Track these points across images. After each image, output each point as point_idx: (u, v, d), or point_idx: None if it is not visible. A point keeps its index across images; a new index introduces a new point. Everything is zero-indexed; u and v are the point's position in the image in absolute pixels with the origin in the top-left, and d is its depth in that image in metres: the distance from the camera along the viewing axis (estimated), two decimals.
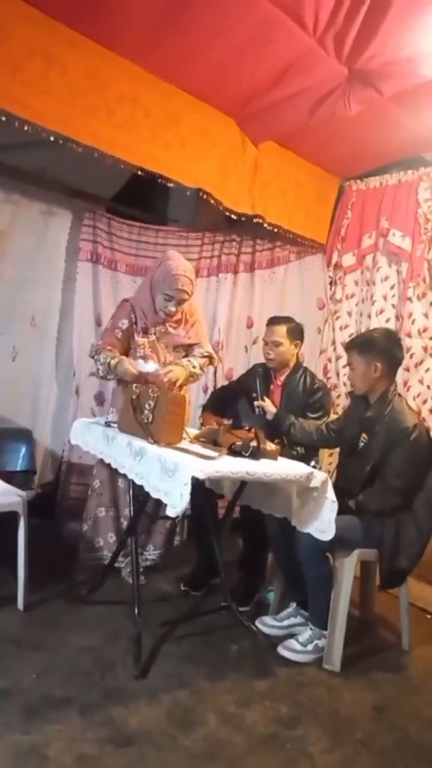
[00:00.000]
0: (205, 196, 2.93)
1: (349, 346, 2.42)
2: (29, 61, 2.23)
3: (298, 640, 2.23)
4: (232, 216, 3.12)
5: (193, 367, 2.54)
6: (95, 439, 2.30)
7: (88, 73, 2.39)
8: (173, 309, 2.50)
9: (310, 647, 2.20)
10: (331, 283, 3.64)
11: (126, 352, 2.53)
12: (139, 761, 1.57)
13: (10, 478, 2.57)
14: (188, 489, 1.72)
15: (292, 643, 2.23)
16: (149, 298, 2.54)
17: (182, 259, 2.56)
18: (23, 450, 2.75)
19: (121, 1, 2.17)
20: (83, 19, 2.26)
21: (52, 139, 2.37)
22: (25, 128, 2.28)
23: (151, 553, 2.78)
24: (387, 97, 2.61)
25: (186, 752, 1.63)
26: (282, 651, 2.21)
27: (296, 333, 2.75)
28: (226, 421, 2.23)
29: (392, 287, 3.32)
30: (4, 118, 2.21)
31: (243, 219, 3.16)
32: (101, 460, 2.24)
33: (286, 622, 2.38)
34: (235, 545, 2.85)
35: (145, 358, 2.45)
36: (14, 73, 2.20)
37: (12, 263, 3.13)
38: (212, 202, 2.97)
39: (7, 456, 2.69)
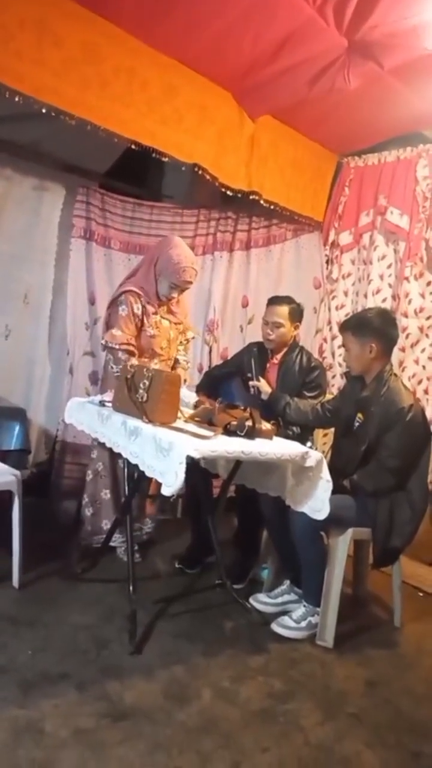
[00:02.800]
0: (200, 172, 2.88)
1: (344, 327, 2.40)
2: (21, 31, 2.16)
3: (292, 617, 2.25)
4: (228, 192, 3.07)
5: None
6: (90, 418, 2.29)
7: (84, 45, 2.32)
8: (176, 296, 2.58)
9: (303, 624, 2.23)
10: (327, 262, 3.60)
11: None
12: (135, 735, 1.59)
13: (5, 457, 2.57)
14: (183, 468, 1.72)
15: (286, 620, 2.25)
16: (153, 283, 2.53)
17: (186, 247, 2.60)
18: (17, 429, 2.75)
19: None
20: None
21: (44, 111, 2.31)
22: (17, 99, 2.22)
23: (148, 526, 2.79)
24: (387, 70, 2.55)
25: (181, 726, 1.65)
26: (275, 628, 2.24)
27: (297, 314, 2.72)
28: (220, 401, 2.22)
29: (389, 266, 3.29)
30: None
31: (239, 195, 3.11)
32: (102, 443, 2.24)
33: (279, 599, 2.40)
34: (230, 524, 2.87)
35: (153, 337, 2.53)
36: (6, 43, 2.14)
37: (4, 240, 3.07)
38: (208, 177, 2.92)
39: (0, 435, 2.68)
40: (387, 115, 3.02)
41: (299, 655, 2.12)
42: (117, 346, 2.47)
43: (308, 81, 2.71)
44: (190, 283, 2.55)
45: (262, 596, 2.44)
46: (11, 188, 3.05)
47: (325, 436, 3.23)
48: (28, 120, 2.50)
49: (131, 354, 2.48)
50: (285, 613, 2.30)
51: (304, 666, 2.06)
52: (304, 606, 2.27)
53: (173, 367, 2.72)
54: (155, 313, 2.57)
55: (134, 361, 2.41)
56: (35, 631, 2.01)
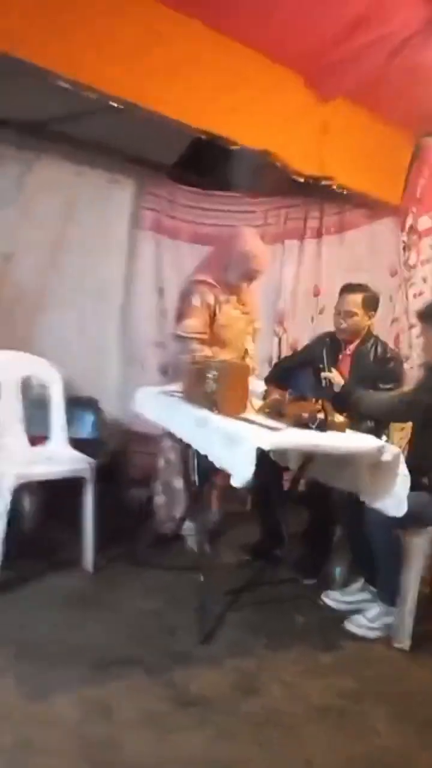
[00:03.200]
0: (270, 159, 2.81)
1: (422, 315, 2.29)
2: (92, 23, 2.17)
3: (366, 615, 2.18)
4: (300, 179, 2.98)
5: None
6: (159, 408, 2.31)
7: (150, 34, 2.32)
8: (246, 285, 2.55)
9: (377, 624, 2.15)
10: (404, 248, 3.43)
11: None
12: (200, 722, 1.59)
13: (79, 445, 2.65)
14: (253, 460, 1.69)
15: (360, 618, 2.18)
16: (223, 274, 2.52)
17: (256, 236, 2.60)
18: (91, 419, 2.83)
19: None
20: None
21: (114, 105, 2.33)
22: (89, 95, 2.26)
23: (215, 517, 2.79)
24: None
25: (247, 717, 1.64)
26: (349, 626, 2.17)
27: (371, 303, 2.61)
28: (290, 393, 2.16)
29: None
30: (69, 86, 2.19)
31: (311, 182, 3.01)
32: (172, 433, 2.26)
33: (353, 598, 2.32)
34: (300, 517, 2.81)
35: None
36: (76, 36, 2.15)
37: (77, 233, 3.15)
38: (278, 164, 2.84)
39: (75, 424, 2.77)
40: None
41: (373, 656, 2.04)
42: (191, 336, 2.46)
43: (387, 57, 2.57)
44: (260, 272, 2.54)
45: (334, 593, 2.37)
46: (83, 183, 3.12)
47: (401, 431, 3.07)
48: (98, 114, 2.54)
49: (204, 344, 2.47)
50: (358, 611, 2.22)
51: (378, 667, 1.98)
52: (379, 605, 2.18)
53: (242, 358, 2.69)
54: (226, 303, 2.55)
55: (207, 351, 2.40)
56: (106, 613, 2.07)
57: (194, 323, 2.46)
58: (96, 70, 2.23)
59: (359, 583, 2.36)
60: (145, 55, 2.33)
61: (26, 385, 2.53)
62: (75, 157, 3.06)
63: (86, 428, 2.87)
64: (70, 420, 2.64)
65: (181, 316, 2.55)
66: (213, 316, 2.51)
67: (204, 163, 3.47)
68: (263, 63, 2.66)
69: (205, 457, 1.97)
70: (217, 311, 2.51)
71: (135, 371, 3.31)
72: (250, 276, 2.53)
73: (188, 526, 2.56)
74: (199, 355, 2.18)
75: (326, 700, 1.76)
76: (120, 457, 3.32)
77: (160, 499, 2.72)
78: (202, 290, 2.48)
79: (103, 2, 2.18)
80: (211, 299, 2.49)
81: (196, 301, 2.48)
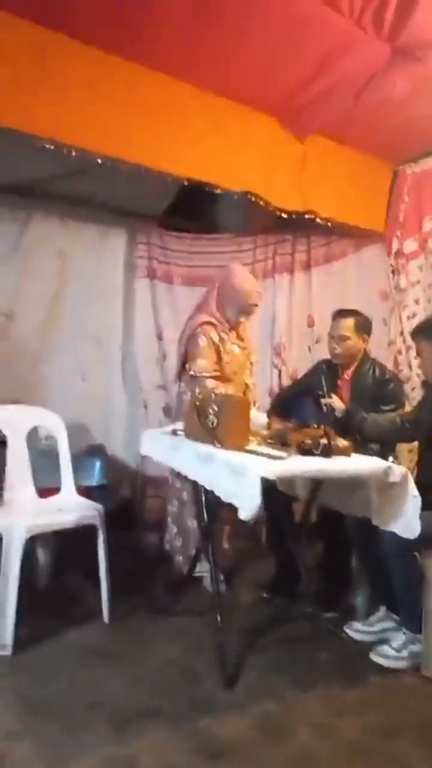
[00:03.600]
0: (253, 198, 2.90)
1: (416, 333, 2.32)
2: (69, 83, 2.30)
3: (392, 645, 2.11)
4: (283, 215, 3.07)
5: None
6: (164, 448, 2.31)
7: (127, 91, 2.45)
8: (244, 320, 2.65)
9: (404, 653, 2.07)
10: (393, 272, 3.48)
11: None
12: None
13: (88, 493, 2.64)
14: (258, 490, 1.68)
15: (385, 649, 2.11)
16: (219, 312, 2.59)
17: (246, 271, 2.69)
18: (98, 465, 2.83)
19: (149, 18, 2.20)
20: (115, 39, 2.31)
21: (99, 161, 2.44)
22: (73, 154, 2.37)
23: (228, 553, 2.75)
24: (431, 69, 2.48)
25: (276, 764, 1.57)
26: (375, 657, 2.10)
27: (364, 326, 2.65)
28: (293, 422, 2.17)
29: None
30: (51, 147, 2.30)
31: (294, 216, 3.10)
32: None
33: (376, 627, 2.26)
34: (315, 549, 2.75)
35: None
36: (55, 97, 2.27)
37: (73, 286, 3.25)
38: (261, 203, 2.94)
39: (82, 472, 2.77)
40: None
41: (402, 688, 1.96)
42: (206, 375, 2.49)
43: (354, 94, 2.69)
44: (256, 305, 2.62)
45: (357, 625, 2.30)
46: (75, 237, 3.24)
47: (410, 452, 3.06)
48: (83, 172, 2.65)
49: (219, 380, 2.50)
50: (384, 641, 2.16)
51: (409, 699, 1.91)
52: (404, 633, 2.11)
53: (244, 392, 2.71)
54: (228, 340, 2.61)
55: (221, 388, 2.42)
56: (126, 665, 2.01)
57: (205, 363, 2.51)
58: (78, 131, 2.35)
59: (381, 612, 2.29)
60: (122, 111, 2.46)
61: (32, 437, 2.54)
62: (67, 213, 3.19)
63: (95, 475, 2.86)
64: (78, 468, 2.64)
65: (189, 357, 2.58)
66: (219, 354, 2.56)
67: (192, 209, 3.59)
68: (236, 108, 2.79)
69: (212, 492, 1.96)
70: (221, 349, 2.56)
71: (139, 415, 3.33)
72: (247, 311, 2.59)
73: (202, 567, 2.52)
74: (198, 391, 2.19)
75: (357, 740, 1.69)
76: (132, 502, 3.30)
77: (177, 542, 2.69)
78: (207, 330, 2.53)
79: (79, 66, 2.31)
80: (216, 338, 2.55)
81: (202, 342, 2.53)
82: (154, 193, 3.16)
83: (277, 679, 1.98)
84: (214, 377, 2.49)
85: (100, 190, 3.16)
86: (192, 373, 2.52)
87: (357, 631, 2.28)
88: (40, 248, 3.16)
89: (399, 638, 2.12)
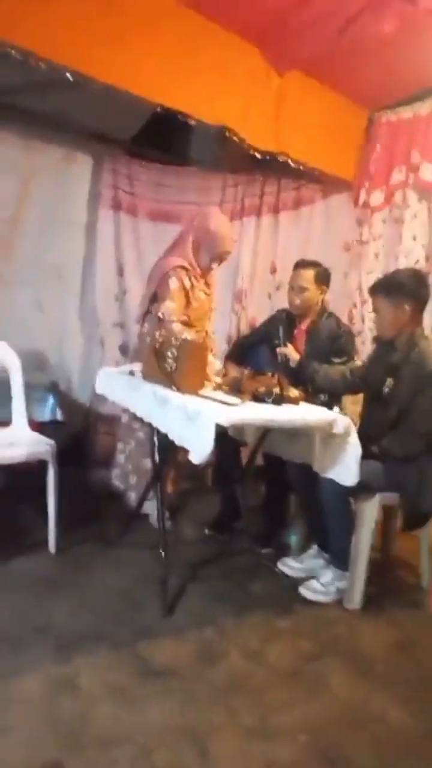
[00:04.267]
0: (227, 134, 2.79)
1: (374, 289, 2.34)
2: None
3: (320, 580, 2.28)
4: (256, 154, 2.98)
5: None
6: (120, 388, 2.32)
7: (102, 1, 2.26)
8: (216, 266, 2.60)
9: (331, 588, 2.25)
10: (357, 224, 3.48)
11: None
12: (166, 692, 1.66)
13: (40, 428, 2.64)
14: (212, 436, 1.73)
15: (314, 583, 2.28)
16: (191, 255, 2.53)
17: (223, 216, 2.63)
18: (50, 401, 2.82)
19: None
20: None
21: (69, 76, 2.26)
22: (41, 66, 2.19)
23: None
24: (423, 11, 2.39)
25: (211, 684, 1.71)
26: (303, 591, 2.27)
27: (323, 278, 2.66)
28: (248, 369, 2.21)
29: (422, 225, 3.16)
30: (18, 56, 2.11)
31: (267, 157, 3.01)
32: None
33: (307, 564, 2.43)
34: (258, 491, 2.89)
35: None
36: (26, 5, 2.09)
37: (34, 212, 3.07)
38: (236, 139, 2.83)
39: (35, 407, 2.75)
40: (423, 61, 2.85)
41: (327, 618, 2.15)
42: (173, 319, 2.47)
43: (339, 28, 2.58)
44: (230, 252, 2.59)
45: (290, 561, 2.47)
46: (38, 160, 3.03)
47: (354, 404, 3.18)
48: (52, 87, 2.46)
49: (186, 325, 2.48)
50: (313, 577, 2.33)
51: (333, 628, 2.09)
52: (332, 570, 2.29)
53: (203, 338, 2.71)
54: (197, 286, 2.57)
55: (187, 333, 2.41)
56: (71, 593, 2.10)
57: (174, 306, 2.47)
58: (46, 40, 2.17)
59: (313, 550, 2.46)
60: (97, 24, 2.27)
61: None
62: (29, 132, 2.97)
63: (47, 411, 2.85)
64: (30, 403, 2.62)
65: (159, 298, 2.53)
66: (187, 299, 2.53)
67: (162, 139, 3.41)
68: (218, 32, 2.63)
69: (165, 435, 2.00)
70: (190, 295, 2.53)
71: (95, 352, 3.29)
72: (221, 257, 2.55)
73: (150, 504, 2.60)
74: (158, 334, 2.18)
75: (285, 663, 1.86)
76: (83, 438, 3.32)
77: (132, 480, 2.75)
78: (180, 274, 2.49)
79: None
80: (187, 283, 2.51)
81: (174, 284, 2.48)
82: (124, 119, 2.98)
83: (214, 608, 2.12)
84: (182, 321, 2.48)
85: (67, 108, 2.95)
86: (160, 315, 2.49)
87: (290, 566, 2.44)
88: None
89: (327, 575, 2.29)
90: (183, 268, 2.50)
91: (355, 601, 2.21)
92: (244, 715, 1.60)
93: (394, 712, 1.68)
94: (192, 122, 2.69)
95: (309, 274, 2.62)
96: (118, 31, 2.33)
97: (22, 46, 2.11)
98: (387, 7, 2.42)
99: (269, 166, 3.26)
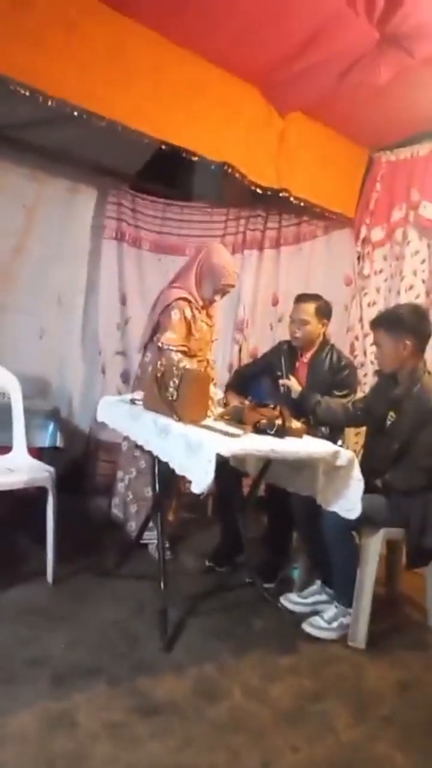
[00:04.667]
0: (230, 170, 2.87)
1: (376, 324, 2.36)
2: (51, 31, 2.19)
3: (323, 617, 2.23)
4: (258, 190, 3.06)
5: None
6: (121, 416, 2.32)
7: (110, 44, 2.35)
8: (218, 299, 2.64)
9: (334, 624, 2.21)
10: (359, 259, 3.55)
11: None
12: (165, 730, 1.60)
13: (39, 454, 2.62)
14: (212, 466, 1.72)
15: (317, 620, 2.23)
16: (194, 288, 2.57)
17: (227, 252, 2.69)
18: (51, 427, 2.80)
19: None
20: None
21: (75, 114, 2.34)
22: (49, 103, 2.26)
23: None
24: (419, 61, 2.50)
25: (211, 723, 1.66)
26: (306, 628, 2.22)
27: (324, 311, 2.70)
28: (249, 400, 2.22)
29: (422, 262, 3.22)
30: (27, 93, 2.19)
31: (269, 193, 3.09)
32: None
33: (310, 599, 2.38)
34: (260, 523, 2.86)
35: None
36: (36, 45, 2.17)
37: (38, 241, 3.14)
38: (237, 176, 2.91)
39: (35, 433, 2.73)
40: (419, 107, 2.97)
41: (330, 656, 2.10)
42: (173, 348, 2.49)
43: (338, 75, 2.68)
44: (233, 286, 2.62)
45: (293, 596, 2.42)
46: (44, 191, 3.11)
47: (357, 435, 3.18)
48: (59, 123, 2.54)
49: (186, 355, 2.51)
50: (316, 613, 2.28)
51: (336, 667, 2.04)
52: (336, 606, 2.24)
53: (205, 368, 2.72)
54: (199, 317, 2.61)
55: (186, 362, 2.43)
56: (68, 625, 2.05)
57: (175, 336, 2.50)
58: (55, 78, 2.25)
59: (316, 585, 2.42)
60: (104, 64, 2.36)
61: None
62: (35, 164, 3.05)
63: (47, 437, 2.83)
64: (31, 429, 2.61)
65: (161, 328, 2.56)
66: (189, 330, 2.56)
67: (166, 173, 3.50)
68: (222, 74, 2.73)
69: (166, 464, 1.99)
70: (192, 326, 2.57)
71: (96, 379, 3.30)
72: (223, 291, 2.59)
73: (150, 534, 2.57)
74: (160, 363, 2.20)
75: (287, 703, 1.80)
76: (82, 466, 3.30)
77: (132, 509, 2.72)
78: (182, 306, 2.53)
79: (61, 11, 2.20)
80: (189, 314, 2.55)
81: (176, 315, 2.51)
82: (129, 154, 3.07)
83: (214, 643, 2.07)
84: (181, 351, 2.50)
85: (73, 144, 3.04)
86: (160, 344, 2.52)
87: (292, 602, 2.40)
88: (5, 198, 3.03)
89: (330, 611, 2.24)
90: (185, 300, 2.54)
91: (359, 638, 2.16)
92: (245, 758, 1.55)
93: (398, 758, 1.62)
94: (195, 158, 2.76)
95: (310, 307, 2.65)
96: (125, 72, 2.42)
97: (29, 83, 2.18)
98: (384, 56, 2.52)
99: (271, 202, 3.35)
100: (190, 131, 2.69)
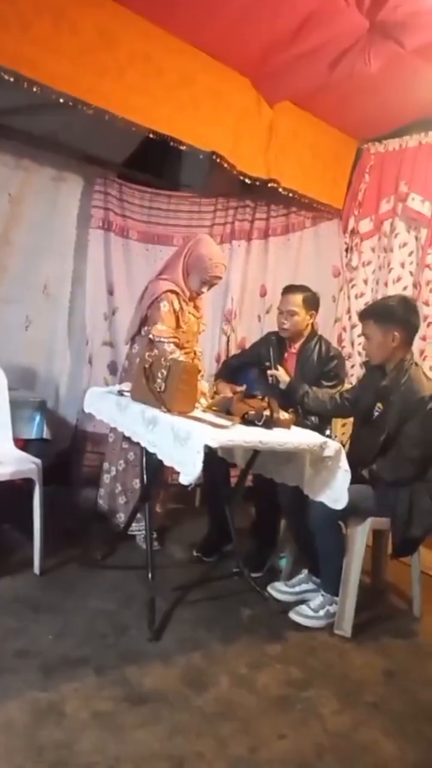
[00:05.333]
0: (218, 160, 2.85)
1: (365, 315, 2.37)
2: (38, 19, 2.15)
3: (310, 605, 2.26)
4: (246, 180, 3.05)
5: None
6: (108, 407, 2.30)
7: (99, 31, 2.31)
8: (206, 291, 2.63)
9: (321, 613, 2.23)
10: (347, 250, 3.56)
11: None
12: (153, 719, 1.61)
13: (26, 446, 2.61)
14: (201, 457, 1.72)
15: (304, 608, 2.25)
16: (182, 280, 2.57)
17: (215, 244, 2.68)
18: (37, 419, 2.78)
19: None
20: None
21: (62, 101, 2.31)
22: (35, 89, 2.23)
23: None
24: (410, 51, 2.50)
25: (199, 712, 1.67)
26: (293, 616, 2.24)
27: (312, 302, 2.70)
28: (239, 390, 2.22)
29: (410, 254, 3.23)
30: (12, 79, 2.15)
31: (257, 183, 3.08)
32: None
33: (297, 588, 2.40)
34: (247, 513, 2.87)
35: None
36: (23, 31, 2.13)
37: (24, 230, 3.09)
38: (226, 165, 2.89)
39: (21, 425, 2.71)
40: (409, 97, 2.97)
41: (317, 644, 2.12)
42: (165, 339, 2.48)
43: (328, 65, 2.67)
44: (220, 278, 2.62)
45: (280, 585, 2.44)
46: (29, 179, 3.06)
47: (343, 426, 3.20)
48: (45, 110, 2.50)
49: (177, 346, 2.50)
50: (303, 602, 2.30)
51: (322, 655, 2.06)
52: (323, 595, 2.26)
53: (192, 359, 2.72)
54: (186, 308, 2.60)
55: (178, 353, 2.42)
56: (55, 616, 2.05)
57: (165, 328, 2.50)
58: (41, 64, 2.21)
59: (303, 574, 2.44)
60: (95, 52, 2.32)
61: None
62: (21, 152, 3.00)
63: (33, 428, 2.81)
64: (17, 420, 2.59)
65: (150, 321, 2.55)
66: (177, 322, 2.55)
67: (154, 162, 3.47)
68: (212, 64, 2.71)
69: (154, 455, 1.99)
70: (180, 317, 2.56)
71: (83, 370, 3.28)
72: (210, 283, 2.58)
73: (138, 525, 2.57)
74: (148, 354, 2.19)
75: (274, 690, 1.82)
76: (69, 457, 3.28)
77: (121, 500, 2.72)
78: (170, 298, 2.52)
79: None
80: (177, 306, 2.54)
81: (164, 307, 2.51)
82: (116, 142, 3.04)
83: (202, 632, 2.08)
84: (174, 343, 2.50)
85: (60, 131, 3.00)
86: (151, 336, 2.51)
87: (279, 591, 2.41)
88: None
89: (317, 599, 2.27)
90: (173, 292, 2.54)
91: (346, 627, 2.18)
92: (233, 745, 1.56)
93: (384, 744, 1.65)
94: (183, 148, 2.74)
95: (297, 298, 2.66)
96: (113, 59, 2.39)
97: (15, 70, 2.13)
98: (374, 46, 2.51)
99: (260, 193, 3.33)
100: (179, 120, 2.66)
